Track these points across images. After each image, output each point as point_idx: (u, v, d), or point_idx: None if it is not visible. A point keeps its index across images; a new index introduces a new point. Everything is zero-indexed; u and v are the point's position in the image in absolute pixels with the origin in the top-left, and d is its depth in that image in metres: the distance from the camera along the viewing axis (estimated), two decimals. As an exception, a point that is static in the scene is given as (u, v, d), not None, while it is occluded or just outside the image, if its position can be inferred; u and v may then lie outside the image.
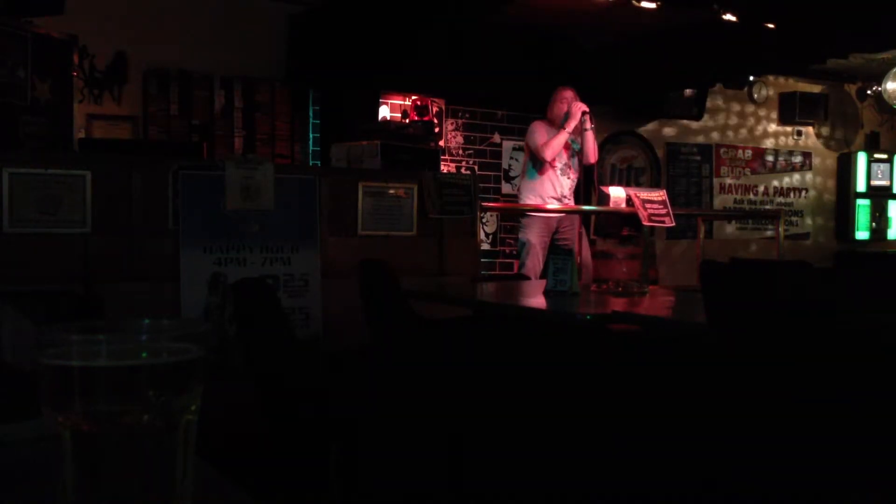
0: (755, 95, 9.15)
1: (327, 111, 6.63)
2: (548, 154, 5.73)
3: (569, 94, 5.86)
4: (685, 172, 8.84)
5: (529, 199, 5.87)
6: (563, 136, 5.75)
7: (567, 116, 5.74)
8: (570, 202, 5.84)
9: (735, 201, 9.17)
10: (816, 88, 9.42)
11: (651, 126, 8.51)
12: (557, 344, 2.75)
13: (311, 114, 6.71)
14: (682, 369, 2.23)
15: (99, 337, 0.56)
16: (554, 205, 5.78)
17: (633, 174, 8.47)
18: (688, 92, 8.17)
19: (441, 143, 7.16)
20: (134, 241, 3.55)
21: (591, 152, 5.86)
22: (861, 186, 9.64)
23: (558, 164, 5.83)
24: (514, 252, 7.64)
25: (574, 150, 5.87)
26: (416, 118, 6.93)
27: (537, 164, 5.84)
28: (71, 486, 0.54)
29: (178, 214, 3.62)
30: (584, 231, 5.95)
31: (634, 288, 3.34)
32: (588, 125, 5.77)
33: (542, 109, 7.28)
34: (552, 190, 5.81)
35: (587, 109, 5.79)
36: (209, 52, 6.27)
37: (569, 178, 5.86)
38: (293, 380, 2.42)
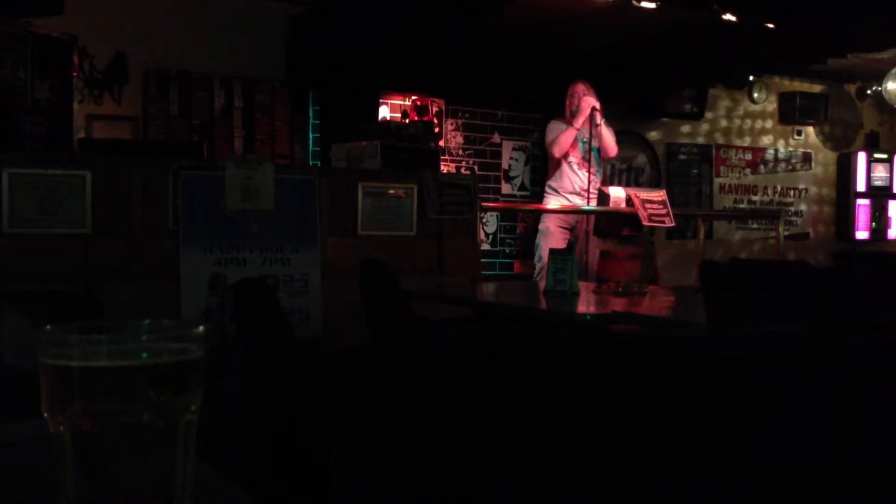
0: (755, 95, 9.15)
1: (327, 111, 6.63)
2: (555, 151, 5.90)
3: (580, 88, 5.93)
4: (685, 172, 8.83)
5: (550, 195, 6.02)
6: (569, 133, 5.86)
7: (576, 112, 5.85)
8: (594, 195, 5.90)
9: (735, 201, 9.17)
10: (816, 88, 9.42)
11: (651, 126, 8.51)
12: (557, 344, 2.74)
13: (311, 114, 6.70)
14: (681, 369, 2.23)
15: (99, 337, 0.56)
16: (574, 199, 5.90)
17: (633, 174, 8.47)
18: (687, 92, 8.17)
19: (441, 143, 7.16)
20: (134, 241, 3.55)
21: (609, 147, 6.01)
22: (861, 186, 9.64)
23: (573, 160, 5.94)
24: (515, 252, 7.64)
25: (582, 145, 5.93)
26: (415, 118, 6.92)
27: (553, 161, 6.01)
28: (71, 486, 0.54)
29: (178, 215, 3.62)
30: (590, 232, 6.02)
31: (634, 288, 3.34)
32: (598, 121, 5.84)
33: (541, 109, 7.29)
34: (570, 185, 5.96)
35: (597, 105, 5.84)
36: (209, 52, 6.27)
37: (586, 172, 5.92)
38: (293, 380, 2.42)
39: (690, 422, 1.93)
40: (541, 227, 6.08)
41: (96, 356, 0.55)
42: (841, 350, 1.75)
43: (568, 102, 6.00)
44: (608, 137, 5.98)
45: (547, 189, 6.13)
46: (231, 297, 3.35)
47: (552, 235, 5.88)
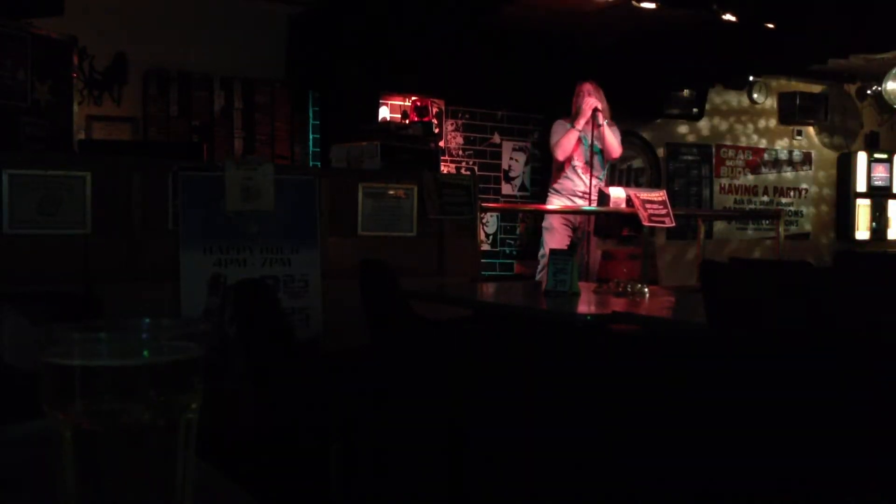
0: (755, 95, 9.15)
1: (327, 111, 6.63)
2: (559, 153, 5.86)
3: (586, 87, 5.89)
4: (685, 172, 8.84)
5: (553, 196, 6.00)
6: (572, 135, 5.82)
7: (578, 113, 5.82)
8: (594, 198, 5.87)
9: (735, 201, 9.17)
10: (816, 88, 9.42)
11: (651, 126, 8.51)
12: (557, 344, 2.75)
13: (310, 114, 6.71)
14: (682, 369, 2.23)
15: (100, 336, 0.56)
16: (577, 200, 5.88)
17: (633, 174, 8.47)
18: (687, 92, 8.17)
19: (441, 143, 7.16)
20: (134, 241, 3.55)
21: (612, 148, 5.94)
22: (861, 186, 9.65)
23: (577, 164, 5.90)
24: (515, 252, 7.64)
25: (585, 147, 5.89)
26: (415, 119, 6.93)
27: (556, 163, 5.98)
28: (71, 486, 0.54)
29: (177, 215, 3.62)
30: (591, 232, 6.01)
31: (635, 288, 3.34)
32: (600, 121, 5.80)
33: (541, 109, 7.27)
34: (573, 187, 5.92)
35: (599, 106, 5.81)
36: (209, 53, 6.27)
37: (589, 175, 5.88)
38: (293, 380, 2.42)
39: (689, 420, 1.93)
40: (545, 224, 6.07)
41: (97, 355, 0.55)
42: (840, 349, 1.75)
43: (574, 101, 5.96)
44: (610, 139, 5.91)
45: (550, 191, 6.09)
46: (231, 298, 3.35)
47: (556, 232, 5.86)
